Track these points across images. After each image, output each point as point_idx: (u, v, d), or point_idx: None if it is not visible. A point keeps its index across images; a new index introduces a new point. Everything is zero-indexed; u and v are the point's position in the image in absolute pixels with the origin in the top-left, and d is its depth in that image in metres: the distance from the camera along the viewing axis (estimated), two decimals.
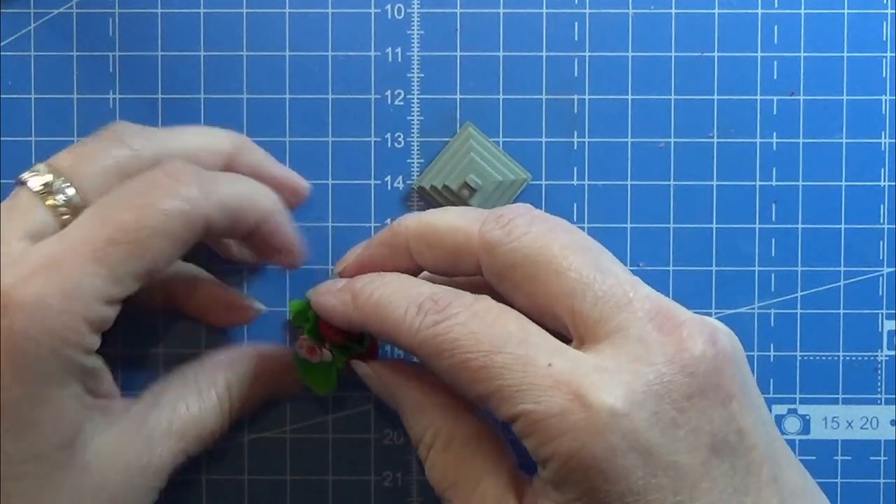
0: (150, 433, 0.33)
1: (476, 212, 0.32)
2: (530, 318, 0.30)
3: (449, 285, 0.32)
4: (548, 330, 0.30)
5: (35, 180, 0.32)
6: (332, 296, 0.33)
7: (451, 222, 0.32)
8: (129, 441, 0.32)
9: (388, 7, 0.38)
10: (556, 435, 0.27)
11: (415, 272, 0.33)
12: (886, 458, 0.38)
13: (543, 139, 0.38)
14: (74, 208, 0.32)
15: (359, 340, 0.35)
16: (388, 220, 0.38)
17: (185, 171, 0.32)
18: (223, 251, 0.37)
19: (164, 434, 0.33)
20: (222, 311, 0.37)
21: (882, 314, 0.38)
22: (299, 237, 0.35)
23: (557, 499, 0.28)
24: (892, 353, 0.38)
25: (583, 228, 0.38)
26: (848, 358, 0.38)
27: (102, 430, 0.32)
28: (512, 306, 0.30)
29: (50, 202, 0.32)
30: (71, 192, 0.32)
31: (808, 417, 0.38)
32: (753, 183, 0.38)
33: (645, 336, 0.28)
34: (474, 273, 0.32)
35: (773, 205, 0.38)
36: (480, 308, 0.30)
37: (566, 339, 0.30)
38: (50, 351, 0.29)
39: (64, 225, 0.31)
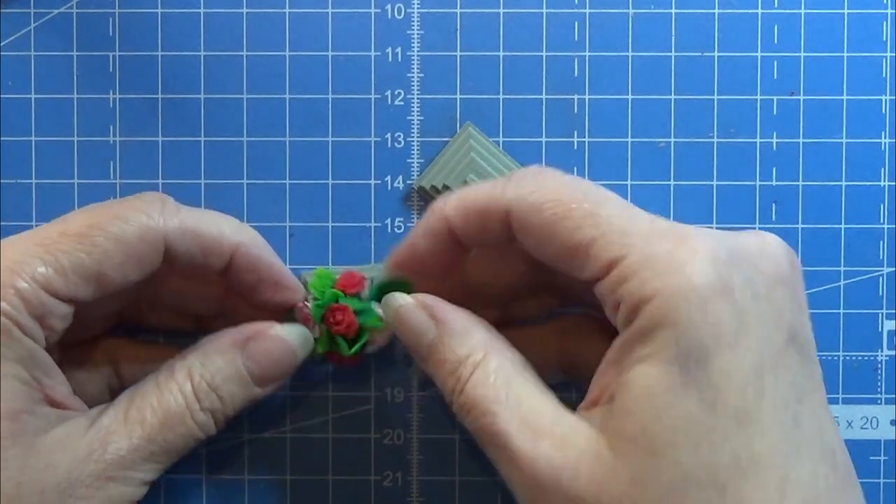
0: (104, 424, 0.31)
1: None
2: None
3: None
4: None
5: None
6: (409, 236, 0.33)
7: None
8: (80, 430, 0.31)
9: (388, 7, 0.38)
10: (663, 271, 0.27)
11: (457, 253, 0.33)
12: (886, 458, 0.38)
13: (543, 139, 0.38)
14: None
15: (350, 344, 0.35)
16: (388, 220, 0.38)
17: (151, 196, 0.32)
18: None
19: (120, 423, 0.31)
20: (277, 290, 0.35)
21: (882, 314, 0.38)
22: (288, 273, 0.35)
23: (648, 353, 0.27)
24: (892, 353, 0.38)
25: None
26: (848, 358, 0.38)
27: (54, 424, 0.31)
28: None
29: None
30: None
31: None
32: (753, 183, 0.38)
33: (723, 235, 0.29)
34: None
35: (773, 205, 0.38)
36: (574, 176, 0.31)
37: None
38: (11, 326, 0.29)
39: None
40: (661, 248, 0.28)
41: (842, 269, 0.38)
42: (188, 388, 0.32)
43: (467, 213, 0.32)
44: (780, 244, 0.30)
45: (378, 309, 0.35)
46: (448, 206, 0.32)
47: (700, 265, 0.27)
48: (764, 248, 0.29)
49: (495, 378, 0.30)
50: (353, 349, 0.35)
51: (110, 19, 0.38)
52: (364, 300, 0.36)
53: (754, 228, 0.38)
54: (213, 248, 0.33)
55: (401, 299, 0.33)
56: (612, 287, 0.28)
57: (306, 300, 0.35)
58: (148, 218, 0.31)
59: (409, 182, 0.38)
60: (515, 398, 0.30)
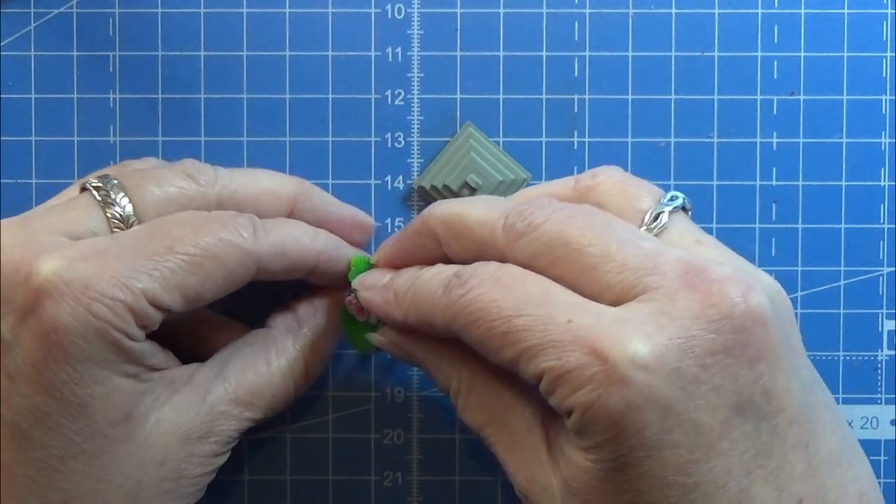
0: (213, 403, 0.33)
1: (504, 204, 0.32)
2: None
3: None
4: None
5: (101, 191, 0.32)
6: (376, 293, 0.33)
7: (479, 215, 0.31)
8: (191, 411, 0.32)
9: (388, 7, 0.38)
10: (575, 388, 0.27)
11: (445, 260, 0.33)
12: (886, 458, 0.38)
13: (543, 139, 0.38)
14: (129, 224, 0.32)
15: None
16: (388, 220, 0.38)
17: (241, 215, 0.33)
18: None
19: (228, 403, 0.33)
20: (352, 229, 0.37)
21: (882, 314, 0.38)
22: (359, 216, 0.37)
23: (580, 445, 0.28)
24: (892, 353, 0.38)
25: None
26: (848, 358, 0.38)
27: (164, 402, 0.32)
28: None
29: (108, 212, 0.32)
30: (129, 208, 0.32)
31: None
32: (753, 183, 0.38)
33: (672, 293, 0.28)
34: None
35: (773, 205, 0.38)
36: (503, 274, 0.30)
37: None
38: (96, 333, 0.29)
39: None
40: (572, 363, 0.27)
41: (842, 269, 0.38)
42: (299, 368, 0.35)
43: (419, 322, 0.32)
44: (726, 301, 0.27)
45: None
46: (403, 306, 0.32)
47: (611, 376, 0.27)
48: (702, 317, 0.27)
49: (478, 402, 0.32)
50: None
51: (110, 19, 0.38)
52: None
53: (753, 228, 0.38)
54: (298, 264, 0.34)
55: (373, 339, 0.34)
56: (545, 395, 0.28)
57: (352, 292, 0.35)
58: (244, 241, 0.32)
59: (409, 182, 0.38)
60: (500, 421, 0.31)
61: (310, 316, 0.36)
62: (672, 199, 0.31)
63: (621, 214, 0.31)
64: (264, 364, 0.34)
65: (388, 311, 0.33)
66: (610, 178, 0.33)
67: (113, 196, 0.32)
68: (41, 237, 0.31)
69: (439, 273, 0.31)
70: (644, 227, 0.31)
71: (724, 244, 0.31)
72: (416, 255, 0.33)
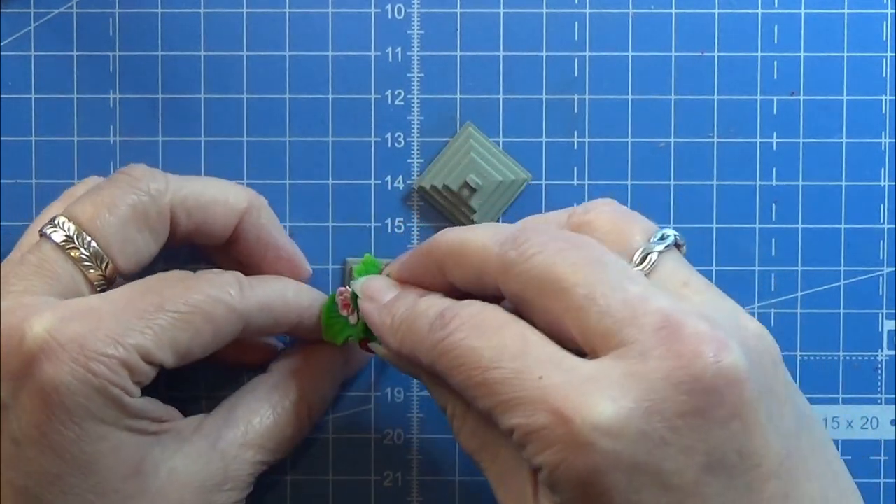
0: (224, 449, 0.33)
1: (504, 232, 0.31)
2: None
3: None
4: (568, 350, 0.29)
5: (58, 234, 0.33)
6: (375, 310, 0.33)
7: (479, 242, 0.31)
8: (203, 459, 0.33)
9: (388, 7, 0.38)
10: (542, 448, 0.27)
11: (450, 286, 0.33)
12: (886, 458, 0.38)
13: (543, 139, 0.38)
14: (98, 258, 0.33)
15: None
16: (388, 220, 0.38)
17: (226, 273, 0.33)
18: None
19: (239, 448, 0.34)
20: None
21: (882, 314, 0.38)
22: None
23: (553, 500, 0.28)
24: (892, 353, 0.38)
25: None
26: (848, 358, 0.38)
27: (173, 452, 0.32)
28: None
29: (74, 254, 0.32)
30: (94, 245, 0.33)
31: None
32: (753, 183, 0.38)
33: (647, 350, 0.27)
34: (498, 294, 0.31)
35: (773, 205, 0.38)
36: (482, 319, 0.29)
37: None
38: (96, 391, 0.30)
39: (90, 279, 0.33)
40: (539, 422, 0.27)
41: (842, 269, 0.38)
42: (303, 411, 0.35)
43: (409, 357, 0.32)
44: (698, 361, 0.27)
45: None
46: (397, 338, 0.32)
47: (576, 439, 0.26)
48: (673, 378, 0.27)
49: (470, 428, 0.31)
50: None
51: (110, 19, 0.38)
52: None
53: (753, 228, 0.38)
54: (282, 319, 0.35)
55: (378, 350, 0.34)
56: (516, 448, 0.28)
57: (347, 286, 0.35)
58: (231, 298, 0.33)
59: (409, 182, 0.38)
60: (491, 449, 0.30)
61: (310, 359, 0.36)
62: (662, 238, 0.31)
63: (613, 251, 0.31)
64: (269, 408, 0.35)
65: (384, 336, 0.33)
66: (602, 215, 0.32)
67: (75, 240, 0.33)
68: (26, 299, 0.31)
69: (429, 308, 0.31)
70: (634, 266, 0.30)
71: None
72: (423, 278, 0.33)
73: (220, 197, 0.35)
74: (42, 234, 0.33)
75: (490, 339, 0.29)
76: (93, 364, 0.30)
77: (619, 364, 0.27)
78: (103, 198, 0.33)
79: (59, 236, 0.32)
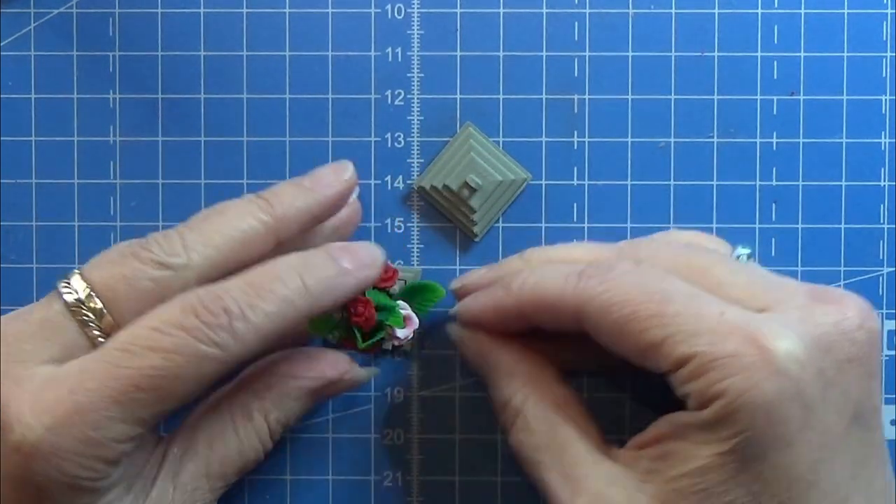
0: (185, 482, 0.33)
1: (573, 267, 0.32)
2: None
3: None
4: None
5: (70, 295, 0.31)
6: (481, 296, 0.34)
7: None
8: (165, 498, 0.32)
9: (388, 7, 0.38)
10: (729, 374, 0.28)
11: (525, 324, 0.34)
12: None
13: (543, 139, 0.38)
14: (109, 328, 0.31)
15: (365, 338, 0.35)
16: (388, 220, 0.38)
17: (215, 313, 0.30)
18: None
19: (200, 479, 0.33)
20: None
21: (882, 314, 0.38)
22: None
23: (709, 439, 0.28)
24: (892, 353, 0.38)
25: (583, 228, 0.38)
26: None
27: (140, 499, 0.32)
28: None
29: (81, 319, 0.31)
30: (106, 316, 0.31)
31: None
32: (753, 183, 0.38)
33: (805, 306, 0.30)
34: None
35: (773, 205, 0.38)
36: (646, 267, 0.31)
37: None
38: (68, 486, 0.30)
39: (90, 337, 0.31)
40: (729, 349, 0.28)
41: (842, 269, 0.38)
42: (265, 434, 0.34)
43: (538, 306, 0.32)
44: (857, 314, 0.30)
45: (403, 310, 0.36)
46: (522, 293, 0.33)
47: (770, 364, 0.28)
48: (840, 325, 0.29)
49: (537, 424, 0.32)
50: (366, 343, 0.35)
51: (110, 19, 0.38)
52: (393, 297, 0.36)
53: (753, 228, 0.38)
54: (290, 331, 0.33)
55: (455, 331, 0.35)
56: (682, 381, 0.29)
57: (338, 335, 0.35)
58: (222, 350, 0.30)
59: (409, 182, 0.38)
60: (559, 446, 0.31)
61: (277, 372, 0.35)
62: (738, 258, 0.34)
63: None
64: (232, 431, 0.34)
65: (499, 305, 0.33)
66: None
67: (87, 303, 0.31)
68: (18, 370, 0.30)
69: (562, 266, 0.32)
70: None
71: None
72: (498, 324, 0.34)
73: (239, 237, 0.33)
74: (56, 290, 0.32)
75: (660, 280, 0.30)
76: (65, 465, 0.29)
77: (789, 314, 0.29)
78: (122, 270, 0.32)
79: (70, 298, 0.31)
